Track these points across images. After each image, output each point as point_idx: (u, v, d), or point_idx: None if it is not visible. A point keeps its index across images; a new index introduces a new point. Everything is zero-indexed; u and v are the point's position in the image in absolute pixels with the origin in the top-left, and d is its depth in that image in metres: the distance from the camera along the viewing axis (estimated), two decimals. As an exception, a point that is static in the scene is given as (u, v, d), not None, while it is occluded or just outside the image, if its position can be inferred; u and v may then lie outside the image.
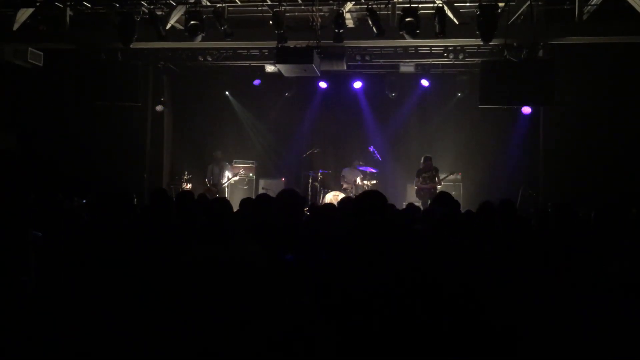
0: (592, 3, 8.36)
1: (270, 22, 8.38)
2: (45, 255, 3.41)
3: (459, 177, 11.41)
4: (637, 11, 7.88)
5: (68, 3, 9.01)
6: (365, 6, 8.23)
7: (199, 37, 8.59)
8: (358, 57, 10.49)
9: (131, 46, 8.86)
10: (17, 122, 10.96)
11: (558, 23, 8.65)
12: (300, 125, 12.55)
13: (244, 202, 4.81)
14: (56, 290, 2.89)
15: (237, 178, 11.93)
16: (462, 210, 5.30)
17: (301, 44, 8.56)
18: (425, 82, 11.67)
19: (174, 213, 4.35)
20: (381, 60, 10.97)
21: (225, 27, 8.55)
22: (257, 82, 12.09)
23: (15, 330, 2.76)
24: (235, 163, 12.33)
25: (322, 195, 11.11)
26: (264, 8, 8.76)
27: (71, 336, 2.58)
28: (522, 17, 8.69)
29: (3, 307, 3.14)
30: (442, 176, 10.58)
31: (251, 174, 12.47)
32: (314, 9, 8.52)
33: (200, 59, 10.84)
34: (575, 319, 2.81)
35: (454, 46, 9.85)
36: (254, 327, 2.40)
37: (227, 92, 12.69)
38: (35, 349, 2.62)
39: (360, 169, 11.21)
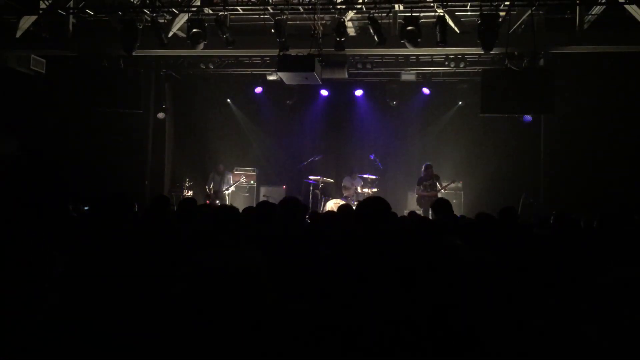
0: (593, 12, 8.40)
1: (272, 30, 8.42)
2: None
3: (459, 185, 11.42)
4: (637, 20, 7.90)
5: (71, 11, 9.05)
6: (367, 15, 8.27)
7: (201, 45, 8.63)
8: (359, 65, 10.53)
9: (133, 54, 8.90)
10: (19, 129, 10.97)
11: (559, 32, 8.68)
12: (302, 133, 12.58)
13: (247, 211, 4.81)
14: (57, 295, 2.88)
15: (233, 188, 11.92)
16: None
17: (303, 52, 8.58)
18: (426, 91, 11.73)
19: (176, 219, 4.35)
20: (382, 69, 11.02)
21: (227, 35, 8.59)
22: (258, 89, 12.13)
23: (17, 337, 2.75)
24: (237, 170, 12.34)
25: (323, 203, 11.10)
26: (265, 16, 8.79)
27: (74, 342, 2.57)
28: (523, 26, 8.73)
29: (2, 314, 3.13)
30: (443, 184, 10.58)
31: (252, 181, 12.48)
32: (315, 17, 8.55)
33: (202, 66, 10.90)
34: (577, 327, 2.80)
35: (455, 55, 9.90)
36: (256, 332, 2.40)
37: (228, 100, 12.73)
38: (38, 356, 2.61)
39: (361, 176, 11.22)
